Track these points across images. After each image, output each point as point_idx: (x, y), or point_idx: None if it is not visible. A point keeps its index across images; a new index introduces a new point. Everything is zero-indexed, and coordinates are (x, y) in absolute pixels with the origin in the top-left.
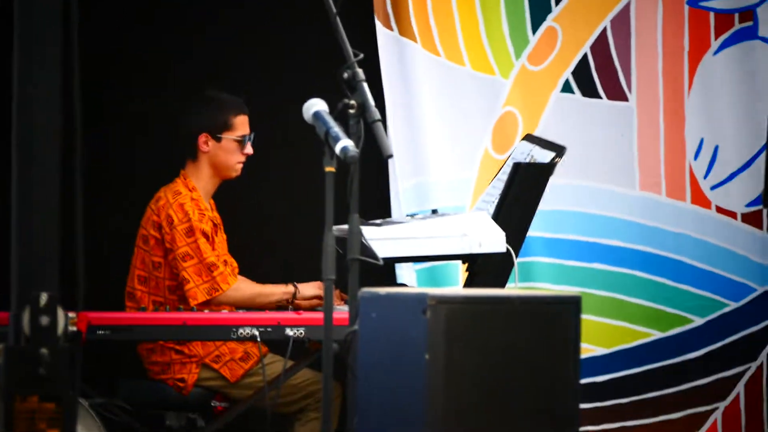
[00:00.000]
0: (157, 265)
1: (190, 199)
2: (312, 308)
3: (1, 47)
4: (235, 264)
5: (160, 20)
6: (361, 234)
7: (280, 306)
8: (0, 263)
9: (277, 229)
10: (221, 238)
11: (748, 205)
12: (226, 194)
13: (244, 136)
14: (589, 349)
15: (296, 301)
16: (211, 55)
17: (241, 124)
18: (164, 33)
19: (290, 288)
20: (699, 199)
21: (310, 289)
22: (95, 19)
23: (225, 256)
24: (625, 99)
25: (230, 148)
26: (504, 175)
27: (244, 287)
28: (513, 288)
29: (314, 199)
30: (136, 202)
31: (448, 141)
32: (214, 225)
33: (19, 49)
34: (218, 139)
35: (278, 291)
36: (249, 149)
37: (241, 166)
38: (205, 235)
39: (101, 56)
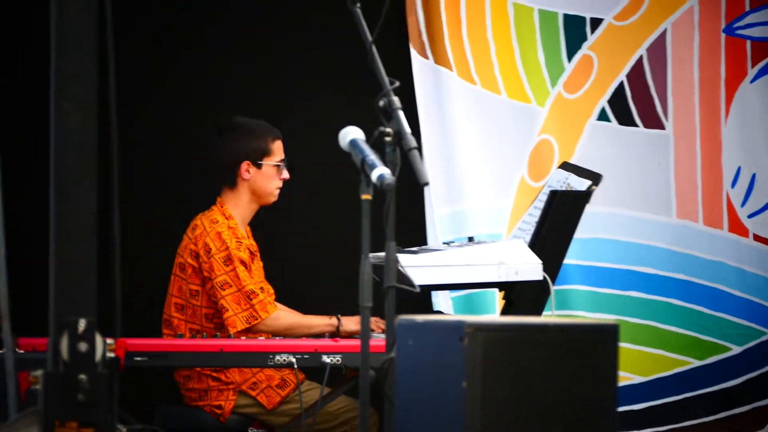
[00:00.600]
0: (194, 293)
1: (227, 228)
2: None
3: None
4: (271, 291)
5: (200, 50)
6: (397, 261)
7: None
8: (38, 289)
9: (313, 256)
10: (258, 266)
11: None
12: (262, 221)
13: (281, 161)
14: (626, 377)
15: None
16: (245, 82)
17: (278, 149)
18: (205, 61)
19: (333, 321)
20: (736, 227)
21: (353, 324)
22: (135, 45)
23: (262, 283)
24: (662, 127)
25: (270, 174)
26: (540, 203)
27: (284, 316)
28: (550, 316)
29: (351, 226)
30: (172, 229)
31: (484, 169)
32: (251, 253)
33: (56, 67)
34: (259, 166)
35: (320, 323)
36: (286, 174)
37: (278, 191)
38: (243, 263)
39: (137, 81)
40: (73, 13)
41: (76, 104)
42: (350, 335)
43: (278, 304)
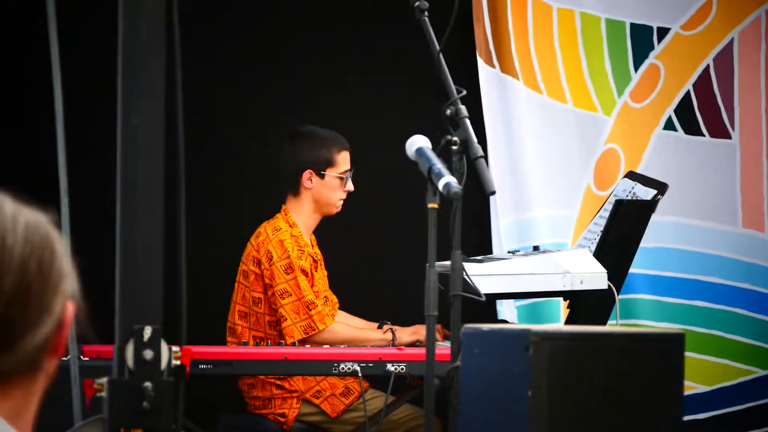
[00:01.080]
0: (257, 301)
1: (290, 236)
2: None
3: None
4: (335, 300)
5: (268, 52)
6: (463, 270)
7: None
8: (104, 296)
9: (378, 265)
10: (321, 275)
11: None
12: (327, 230)
13: (346, 172)
14: (691, 387)
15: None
16: (309, 92)
17: (344, 161)
18: (274, 65)
19: (388, 335)
20: None
21: (407, 335)
22: (199, 58)
23: (325, 292)
24: (728, 137)
25: (333, 185)
26: (606, 212)
27: (341, 329)
28: (614, 325)
29: (417, 235)
30: (238, 237)
31: (549, 177)
32: (314, 261)
33: (123, 77)
34: (321, 176)
35: (375, 337)
36: (350, 185)
37: (341, 202)
38: (304, 272)
39: (205, 86)
40: (143, 26)
41: (144, 118)
42: (405, 346)
43: (341, 312)
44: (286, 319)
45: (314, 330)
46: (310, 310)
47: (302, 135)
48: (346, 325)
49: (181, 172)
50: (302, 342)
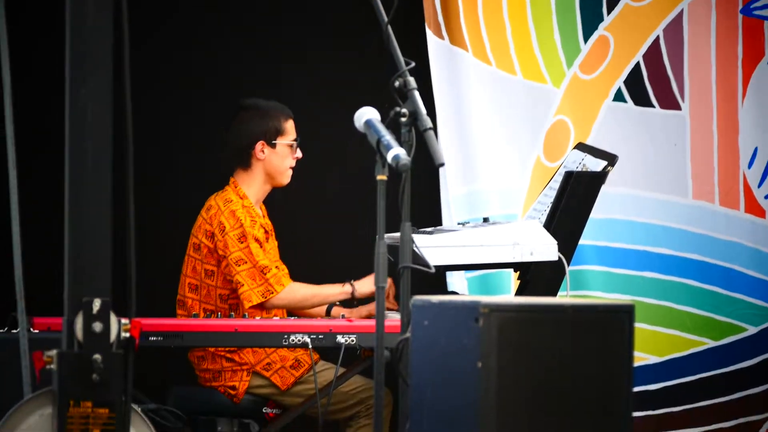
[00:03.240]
0: (209, 273)
1: (241, 206)
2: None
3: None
4: (286, 270)
5: (212, 26)
6: (412, 242)
7: (342, 302)
8: (53, 269)
9: (327, 237)
10: (273, 245)
11: None
12: (276, 201)
13: (294, 140)
14: (641, 358)
15: (355, 298)
16: (255, 60)
17: (291, 129)
18: (215, 39)
19: (347, 288)
20: (753, 207)
21: (366, 285)
22: (143, 25)
23: (277, 262)
24: (678, 108)
25: (284, 153)
26: (556, 184)
27: (298, 288)
28: (565, 296)
29: (366, 207)
30: (185, 210)
31: (499, 149)
32: (266, 231)
33: (71, 49)
34: (273, 146)
35: (335, 291)
36: (299, 153)
37: (291, 171)
38: (257, 240)
39: (147, 65)
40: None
41: (91, 89)
42: (366, 297)
43: (293, 282)
44: (243, 285)
45: (272, 293)
46: (265, 274)
47: (249, 108)
48: (303, 284)
49: (129, 145)
50: (260, 307)
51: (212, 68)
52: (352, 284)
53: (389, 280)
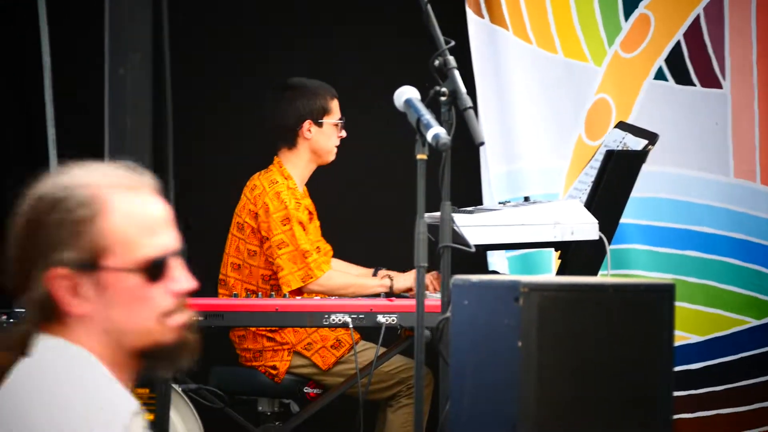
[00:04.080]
0: (252, 254)
1: (286, 188)
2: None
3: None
4: (329, 249)
5: (253, 8)
6: (453, 221)
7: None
8: None
9: (368, 216)
10: (315, 225)
11: None
12: (318, 181)
13: (340, 119)
14: (683, 337)
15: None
16: (297, 42)
17: (336, 108)
18: (247, 23)
19: (386, 281)
20: None
21: (405, 281)
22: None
23: (319, 242)
24: (719, 86)
25: (330, 132)
26: (596, 163)
27: (337, 276)
28: (606, 275)
29: (406, 186)
30: (228, 189)
31: (540, 128)
32: (309, 213)
33: (110, 30)
34: (320, 125)
35: (373, 284)
36: (343, 132)
37: (336, 150)
38: (300, 223)
39: (191, 44)
40: None
41: (131, 65)
42: (403, 292)
43: (335, 260)
44: (283, 269)
45: (311, 277)
46: (306, 258)
47: (294, 87)
48: (342, 273)
49: (169, 123)
50: (299, 291)
51: (255, 44)
52: (391, 278)
53: (433, 275)
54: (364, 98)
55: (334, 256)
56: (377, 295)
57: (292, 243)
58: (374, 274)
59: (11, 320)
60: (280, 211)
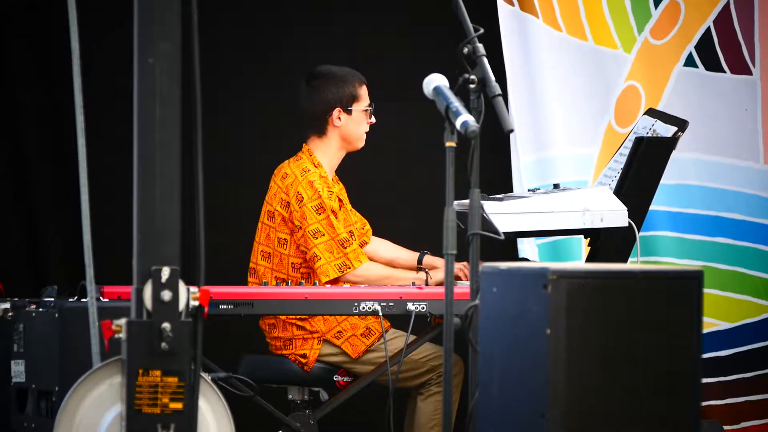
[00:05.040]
0: (282, 242)
1: (318, 177)
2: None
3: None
4: (368, 227)
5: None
6: (482, 209)
7: None
8: (122, 238)
9: (397, 203)
10: (346, 212)
11: None
12: (347, 168)
13: (369, 106)
14: (713, 324)
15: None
16: (325, 31)
17: (365, 94)
18: (284, 8)
19: (421, 275)
20: None
21: (440, 274)
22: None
23: (351, 226)
24: (749, 73)
25: (359, 119)
26: (626, 150)
27: (375, 267)
28: (635, 262)
29: (435, 173)
30: (256, 176)
31: (570, 115)
32: (340, 200)
33: (139, 19)
34: (349, 112)
35: (409, 277)
36: (373, 118)
37: (365, 137)
38: (333, 212)
39: (216, 27)
40: None
41: (159, 58)
42: (440, 284)
43: (381, 240)
44: (320, 258)
45: (349, 267)
46: (345, 248)
47: (322, 75)
48: (379, 265)
49: (198, 112)
50: (336, 281)
51: (281, 33)
52: (427, 272)
53: (463, 264)
54: (391, 85)
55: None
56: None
57: (327, 232)
58: (419, 260)
59: (40, 309)
60: (315, 200)
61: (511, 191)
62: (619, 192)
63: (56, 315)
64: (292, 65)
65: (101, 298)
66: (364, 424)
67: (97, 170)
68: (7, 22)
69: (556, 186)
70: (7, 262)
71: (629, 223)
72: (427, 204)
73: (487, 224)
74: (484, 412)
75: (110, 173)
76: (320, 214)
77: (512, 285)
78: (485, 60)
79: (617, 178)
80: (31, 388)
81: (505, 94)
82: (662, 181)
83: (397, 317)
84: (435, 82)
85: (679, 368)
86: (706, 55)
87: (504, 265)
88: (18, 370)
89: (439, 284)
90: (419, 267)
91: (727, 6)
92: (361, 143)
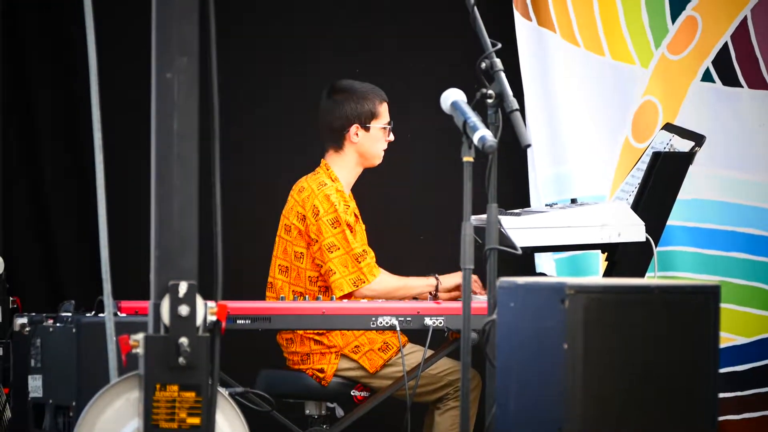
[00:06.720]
0: (299, 256)
1: (335, 191)
2: (454, 299)
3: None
4: (372, 254)
5: (301, 11)
6: (499, 223)
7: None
8: (140, 253)
9: (413, 218)
10: (361, 228)
11: None
12: (366, 184)
13: (388, 124)
14: (729, 339)
15: (438, 293)
16: (345, 45)
17: (385, 112)
18: (296, 25)
19: (432, 280)
20: None
21: (451, 279)
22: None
23: (365, 246)
24: (767, 88)
25: (377, 137)
26: (643, 165)
27: (388, 279)
28: (652, 277)
29: (453, 188)
30: (275, 191)
31: (587, 130)
32: (356, 216)
33: (157, 33)
34: (367, 128)
35: (420, 284)
36: (391, 136)
37: (383, 154)
38: (349, 226)
39: (236, 41)
40: None
41: (178, 73)
42: (449, 291)
43: (384, 272)
44: (335, 273)
45: (364, 282)
46: (360, 262)
47: (343, 90)
48: (392, 275)
49: (216, 126)
50: (350, 295)
51: (302, 47)
52: (437, 278)
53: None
54: (409, 101)
55: (381, 258)
56: (424, 298)
57: (342, 246)
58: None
59: (58, 324)
60: (330, 214)
61: (529, 206)
62: (636, 207)
63: (73, 330)
64: (315, 80)
65: (118, 313)
66: None
67: (115, 185)
68: (22, 22)
69: (573, 201)
70: (25, 277)
71: (647, 238)
72: (444, 219)
73: (504, 239)
74: (501, 427)
75: (128, 187)
76: (336, 227)
77: (529, 300)
78: (503, 75)
79: (634, 192)
80: (48, 403)
81: (522, 109)
82: (679, 196)
83: (415, 332)
84: (452, 97)
85: (695, 383)
86: (723, 70)
87: (521, 279)
88: (35, 385)
89: (450, 290)
90: (430, 275)
91: (744, 21)
92: (378, 160)
